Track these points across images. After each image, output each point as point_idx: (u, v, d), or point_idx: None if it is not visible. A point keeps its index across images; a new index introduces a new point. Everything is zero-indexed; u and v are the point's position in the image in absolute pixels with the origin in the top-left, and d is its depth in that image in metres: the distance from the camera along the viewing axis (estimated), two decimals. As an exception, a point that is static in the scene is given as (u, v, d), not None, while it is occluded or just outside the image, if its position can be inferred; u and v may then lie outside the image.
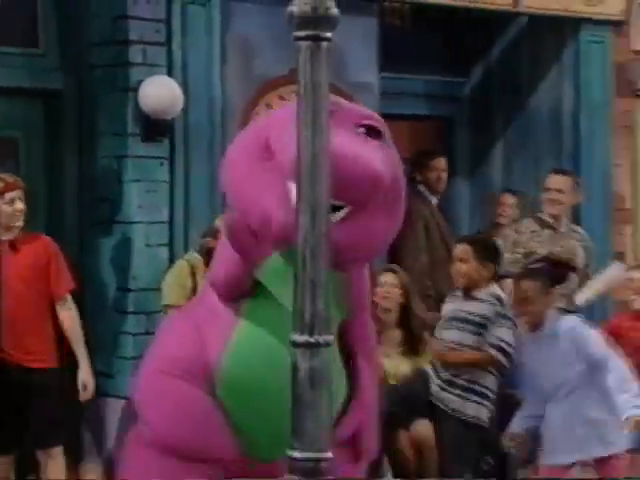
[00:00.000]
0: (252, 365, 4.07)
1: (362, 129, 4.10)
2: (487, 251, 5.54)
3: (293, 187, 4.05)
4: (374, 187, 3.97)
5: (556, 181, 6.63)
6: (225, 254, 4.14)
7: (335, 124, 4.05)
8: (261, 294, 4.12)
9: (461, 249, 5.52)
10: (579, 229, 6.79)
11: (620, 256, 7.66)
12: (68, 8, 6.02)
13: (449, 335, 5.46)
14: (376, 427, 4.36)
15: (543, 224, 6.58)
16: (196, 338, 4.15)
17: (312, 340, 3.53)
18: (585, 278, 6.51)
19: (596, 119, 7.58)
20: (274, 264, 4.12)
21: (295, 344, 3.56)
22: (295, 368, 3.55)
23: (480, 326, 5.37)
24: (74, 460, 5.68)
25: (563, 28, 7.50)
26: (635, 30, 7.81)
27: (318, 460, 3.54)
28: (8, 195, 5.36)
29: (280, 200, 4.01)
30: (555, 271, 5.19)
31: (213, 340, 4.11)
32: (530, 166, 7.59)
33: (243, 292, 4.14)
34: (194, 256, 5.59)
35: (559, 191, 6.57)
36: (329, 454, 3.58)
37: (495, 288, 5.50)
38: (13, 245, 5.44)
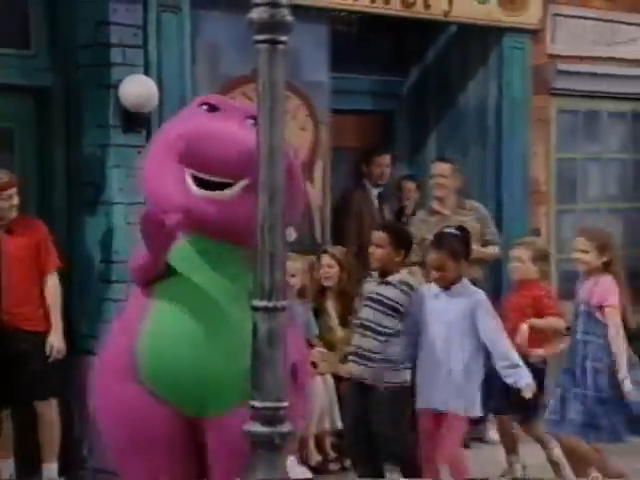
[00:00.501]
0: (163, 340, 4.03)
1: (250, 121, 4.09)
2: (401, 238, 5.35)
3: (188, 172, 4.06)
4: (251, 160, 3.83)
5: (439, 168, 6.64)
6: (139, 246, 4.10)
7: (226, 117, 4.16)
8: (172, 276, 4.09)
9: (378, 236, 5.31)
10: (474, 204, 6.71)
11: (536, 232, 7.73)
12: (56, 14, 5.93)
13: (364, 313, 5.26)
14: (307, 365, 4.43)
15: (432, 212, 6.57)
16: (122, 331, 4.14)
17: (270, 305, 3.52)
18: (488, 244, 6.50)
19: (516, 114, 7.60)
20: (182, 248, 4.10)
21: (255, 308, 3.54)
22: (255, 329, 3.54)
23: (394, 310, 5.14)
24: (65, 409, 5.63)
25: (488, 35, 7.50)
26: (550, 37, 7.84)
27: (276, 408, 3.54)
28: (6, 192, 5.36)
29: (178, 185, 4.02)
30: (461, 243, 5.03)
31: (133, 324, 4.08)
32: (459, 155, 7.61)
33: (157, 276, 4.09)
34: None
35: (443, 176, 6.57)
36: (285, 403, 3.57)
37: (405, 274, 5.31)
38: (9, 228, 5.44)
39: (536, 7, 7.54)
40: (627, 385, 5.13)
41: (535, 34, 7.63)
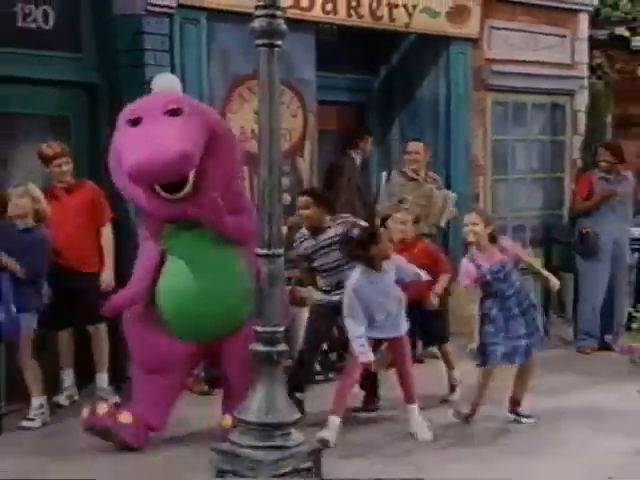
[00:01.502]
0: (163, 292, 4.37)
1: (167, 113, 4.13)
2: (320, 199, 5.13)
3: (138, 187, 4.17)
4: (184, 161, 3.98)
5: (414, 146, 6.63)
6: None
7: (147, 115, 4.16)
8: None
9: (302, 200, 5.11)
10: (435, 176, 6.74)
11: (476, 197, 7.75)
12: (102, 26, 5.85)
13: (327, 259, 5.11)
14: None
15: (407, 177, 6.53)
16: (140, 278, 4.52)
17: (270, 252, 3.51)
18: (445, 207, 6.46)
19: (460, 105, 7.55)
20: (167, 232, 4.37)
21: (259, 255, 3.54)
22: (258, 271, 3.54)
23: (339, 242, 4.96)
24: (113, 332, 5.62)
25: (439, 43, 7.43)
26: (486, 44, 7.78)
27: (274, 332, 3.54)
28: (56, 161, 5.31)
29: (148, 192, 4.18)
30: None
31: (148, 274, 4.47)
32: (417, 137, 7.58)
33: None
34: None
35: (416, 153, 6.56)
36: (282, 328, 3.57)
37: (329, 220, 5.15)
38: (68, 189, 5.41)
39: (476, 21, 7.49)
40: None
41: (475, 42, 7.57)
